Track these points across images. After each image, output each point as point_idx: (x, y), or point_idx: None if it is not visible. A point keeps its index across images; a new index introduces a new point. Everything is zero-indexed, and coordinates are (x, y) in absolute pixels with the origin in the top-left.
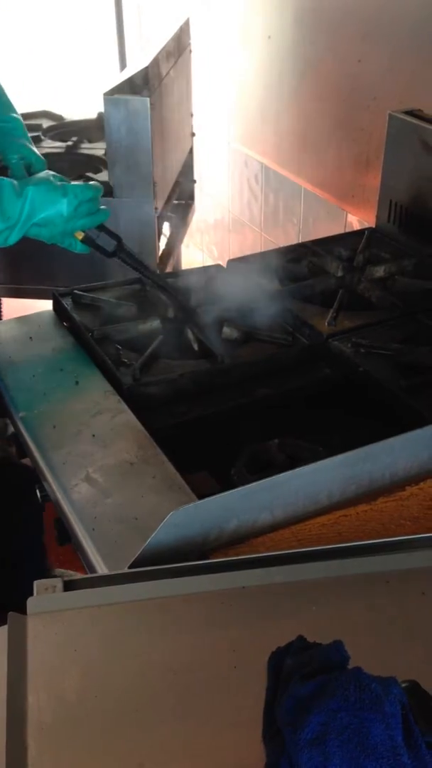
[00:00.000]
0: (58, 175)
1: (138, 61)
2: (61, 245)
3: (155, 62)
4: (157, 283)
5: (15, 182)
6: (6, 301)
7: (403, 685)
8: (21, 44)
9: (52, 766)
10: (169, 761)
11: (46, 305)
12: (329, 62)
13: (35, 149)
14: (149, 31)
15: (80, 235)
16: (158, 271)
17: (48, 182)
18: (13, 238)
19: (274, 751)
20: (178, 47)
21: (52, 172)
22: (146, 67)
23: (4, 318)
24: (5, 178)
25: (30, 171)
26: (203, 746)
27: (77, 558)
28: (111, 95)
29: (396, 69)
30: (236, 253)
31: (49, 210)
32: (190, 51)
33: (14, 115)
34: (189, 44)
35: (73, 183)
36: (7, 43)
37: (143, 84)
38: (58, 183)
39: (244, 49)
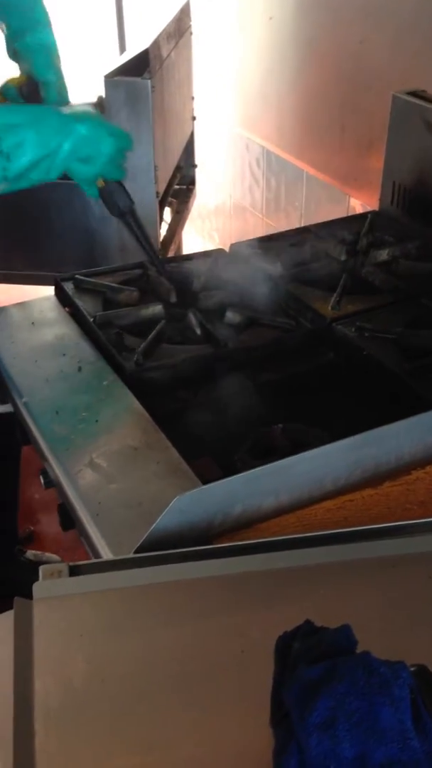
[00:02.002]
0: (98, 109)
1: (138, 43)
2: (85, 189)
3: (156, 44)
4: (152, 258)
5: (61, 110)
6: (3, 287)
7: (412, 669)
8: None
9: (60, 751)
10: (176, 745)
11: (44, 291)
12: (331, 43)
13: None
14: (149, 13)
15: (101, 183)
16: (161, 258)
17: (98, 118)
18: (55, 172)
19: (283, 735)
20: (179, 29)
21: (90, 106)
22: (147, 49)
23: (2, 305)
24: (51, 106)
25: (60, 95)
26: (210, 731)
27: (80, 545)
28: (112, 77)
29: (399, 49)
30: (237, 239)
31: (96, 146)
32: (191, 33)
33: (50, 30)
34: (189, 26)
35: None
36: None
37: (144, 66)
38: (104, 120)
39: (244, 30)
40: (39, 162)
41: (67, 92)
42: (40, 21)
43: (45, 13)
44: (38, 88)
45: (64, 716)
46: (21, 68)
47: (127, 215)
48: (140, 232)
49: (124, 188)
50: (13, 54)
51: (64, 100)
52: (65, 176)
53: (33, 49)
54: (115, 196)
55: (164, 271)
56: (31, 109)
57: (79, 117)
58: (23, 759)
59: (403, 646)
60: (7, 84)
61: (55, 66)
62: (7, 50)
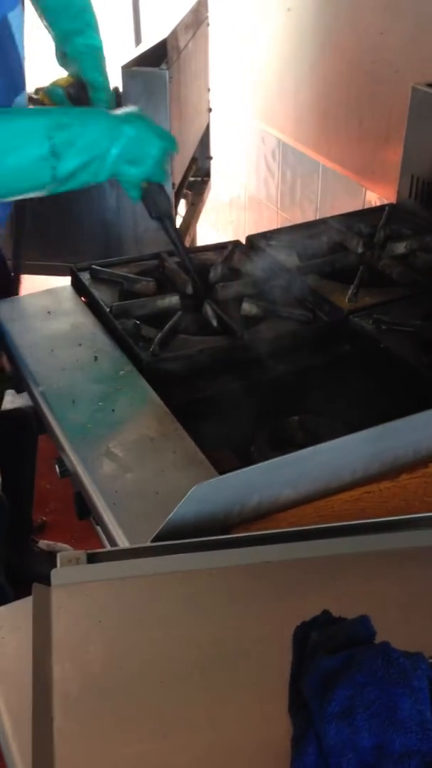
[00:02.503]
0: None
1: (155, 34)
2: (129, 191)
3: (174, 34)
4: (185, 264)
5: (111, 113)
6: (21, 277)
7: (431, 660)
8: (35, 17)
9: (78, 736)
10: (194, 733)
11: (60, 281)
12: (350, 34)
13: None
14: (166, 4)
15: (145, 185)
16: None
17: (146, 119)
18: (105, 174)
19: (301, 723)
20: (196, 20)
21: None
22: (164, 40)
23: (18, 294)
24: (100, 109)
25: (107, 98)
26: (228, 719)
27: (92, 535)
28: (129, 68)
29: (419, 40)
30: (252, 231)
31: (145, 148)
32: (208, 24)
33: (99, 35)
34: (207, 17)
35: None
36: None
37: (161, 57)
38: (151, 122)
39: (262, 21)
40: (89, 163)
41: (113, 95)
42: (90, 24)
43: (94, 17)
44: (86, 90)
45: (83, 702)
46: (69, 71)
47: (165, 219)
48: (176, 236)
49: (165, 191)
50: (62, 57)
51: (111, 103)
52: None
53: (82, 51)
54: (156, 198)
55: (195, 277)
56: (81, 111)
57: (128, 119)
58: (42, 744)
59: (422, 637)
60: (53, 86)
61: (102, 68)
62: (56, 54)
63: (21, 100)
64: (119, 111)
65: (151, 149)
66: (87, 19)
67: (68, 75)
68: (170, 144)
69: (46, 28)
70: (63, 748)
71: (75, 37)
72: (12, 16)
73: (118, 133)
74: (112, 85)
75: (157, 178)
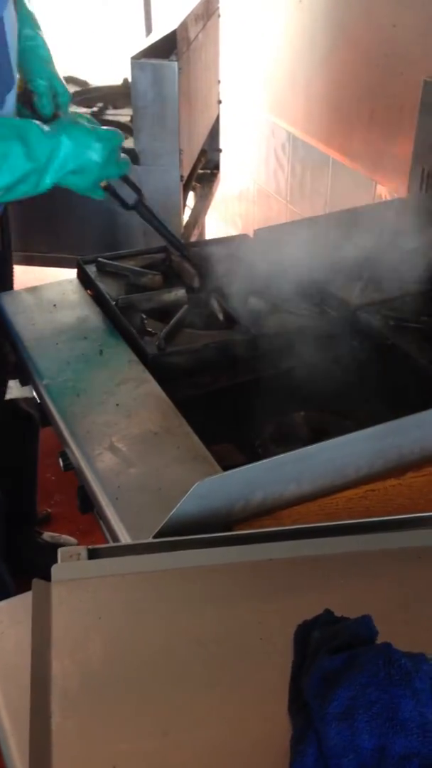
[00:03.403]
0: (86, 115)
1: (166, 25)
2: (89, 196)
3: (183, 26)
4: (173, 242)
5: (44, 127)
6: (26, 269)
7: None
8: (44, 8)
9: (76, 732)
10: (194, 730)
11: (66, 274)
12: (363, 27)
13: (60, 75)
14: None
15: (103, 183)
16: (183, 241)
17: (82, 126)
18: (45, 185)
19: (301, 723)
20: (207, 11)
21: (79, 112)
22: (174, 31)
23: (23, 287)
24: (33, 121)
25: (55, 101)
26: (228, 716)
27: (97, 527)
28: (138, 59)
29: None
30: (261, 225)
31: (85, 156)
32: (219, 15)
33: (38, 32)
34: (217, 8)
35: (103, 127)
36: (32, 8)
37: (171, 48)
38: (91, 126)
39: (273, 13)
40: (25, 176)
41: (66, 97)
42: (27, 23)
43: (26, 11)
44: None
45: (81, 698)
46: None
47: (138, 207)
48: (155, 219)
49: (129, 181)
50: None
51: (61, 109)
52: None
53: (25, 51)
54: (120, 192)
55: (187, 253)
56: (16, 123)
57: (65, 130)
58: (40, 740)
59: (425, 638)
60: None
61: (46, 72)
62: None
63: (11, 97)
64: (59, 121)
65: (91, 155)
66: (22, 18)
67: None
68: (114, 140)
69: None
70: (61, 745)
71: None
72: (5, 15)
73: (54, 145)
74: (121, 77)
75: (112, 176)
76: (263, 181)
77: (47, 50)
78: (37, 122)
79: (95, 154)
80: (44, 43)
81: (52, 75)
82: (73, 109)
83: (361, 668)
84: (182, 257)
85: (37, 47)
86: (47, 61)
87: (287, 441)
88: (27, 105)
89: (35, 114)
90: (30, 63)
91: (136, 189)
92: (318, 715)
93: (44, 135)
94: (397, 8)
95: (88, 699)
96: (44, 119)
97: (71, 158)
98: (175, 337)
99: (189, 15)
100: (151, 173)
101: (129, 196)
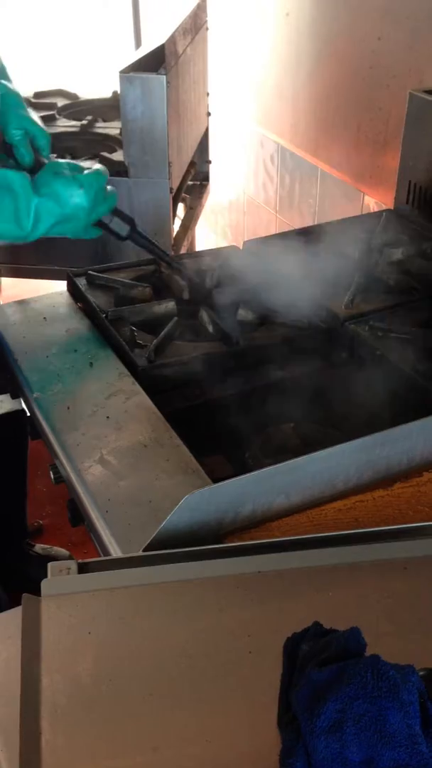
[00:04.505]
0: (64, 161)
1: (154, 39)
2: (84, 237)
3: (172, 40)
4: (171, 264)
5: (27, 186)
6: (15, 281)
7: (421, 673)
8: (35, 22)
9: (66, 748)
10: (184, 745)
11: (56, 286)
12: (348, 40)
13: (36, 118)
14: (165, 8)
15: (94, 222)
16: (172, 253)
17: (62, 178)
18: (34, 238)
19: (290, 737)
20: (195, 25)
21: (60, 161)
22: (163, 45)
23: (13, 299)
24: (18, 174)
25: (34, 145)
26: (218, 730)
27: (89, 540)
28: (127, 73)
29: (417, 46)
30: (251, 236)
31: (70, 207)
32: (207, 29)
33: (5, 82)
34: (206, 21)
35: (85, 173)
36: (22, 21)
37: (159, 62)
38: (69, 173)
39: (261, 26)
40: (15, 239)
41: (44, 139)
42: None
43: None
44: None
45: (71, 713)
46: None
47: (132, 237)
48: (149, 245)
49: (119, 213)
50: None
51: (42, 152)
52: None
53: None
54: (112, 226)
55: (184, 273)
56: None
57: (44, 184)
58: (29, 756)
59: (413, 649)
60: None
61: (19, 119)
62: None
63: None
64: (38, 178)
65: (78, 201)
66: None
67: None
68: (96, 182)
69: None
70: (51, 760)
71: None
72: None
73: (34, 206)
74: (110, 90)
75: (103, 214)
76: (252, 192)
77: (17, 96)
78: (22, 175)
79: (81, 201)
80: (13, 90)
81: (26, 119)
82: (63, 122)
83: (349, 681)
84: (172, 269)
85: (7, 95)
86: (19, 106)
87: (277, 452)
88: (8, 153)
89: (17, 163)
90: (2, 114)
91: (128, 219)
92: (307, 728)
93: (25, 195)
94: (382, 21)
95: (77, 714)
96: (26, 168)
97: (57, 216)
98: (165, 350)
99: (177, 29)
100: (141, 186)
101: (121, 227)
